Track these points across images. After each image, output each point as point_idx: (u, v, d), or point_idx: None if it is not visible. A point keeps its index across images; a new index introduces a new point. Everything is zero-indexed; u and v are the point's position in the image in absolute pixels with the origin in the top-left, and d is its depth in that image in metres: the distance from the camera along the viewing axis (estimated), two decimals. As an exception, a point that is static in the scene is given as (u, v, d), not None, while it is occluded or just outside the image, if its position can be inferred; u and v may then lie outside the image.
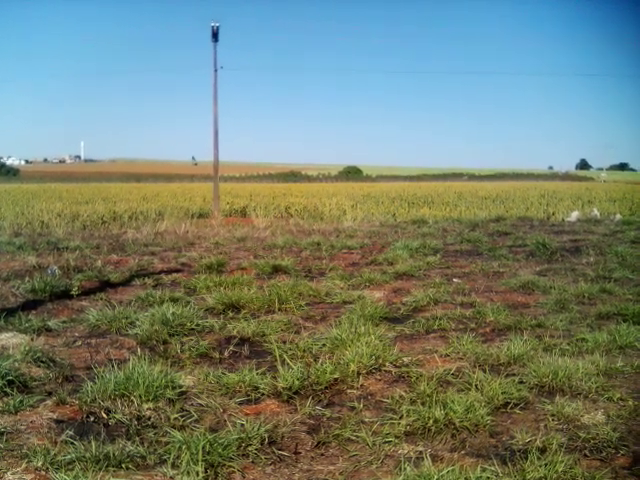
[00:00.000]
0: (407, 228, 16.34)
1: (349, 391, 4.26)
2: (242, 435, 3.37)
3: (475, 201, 29.81)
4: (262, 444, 3.35)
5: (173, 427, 3.54)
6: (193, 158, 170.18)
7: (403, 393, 4.09)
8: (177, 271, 9.15)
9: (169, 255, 10.93)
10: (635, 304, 6.49)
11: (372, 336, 5.03)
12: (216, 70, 23.62)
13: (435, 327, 5.90)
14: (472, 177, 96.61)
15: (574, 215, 20.19)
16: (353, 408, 3.95)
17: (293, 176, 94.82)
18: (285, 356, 4.71)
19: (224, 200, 26.75)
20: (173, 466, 3.08)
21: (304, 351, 4.95)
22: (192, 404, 3.95)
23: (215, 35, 23.17)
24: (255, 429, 3.45)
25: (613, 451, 3.31)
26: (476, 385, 4.16)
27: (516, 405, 3.93)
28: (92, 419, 3.72)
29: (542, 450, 3.27)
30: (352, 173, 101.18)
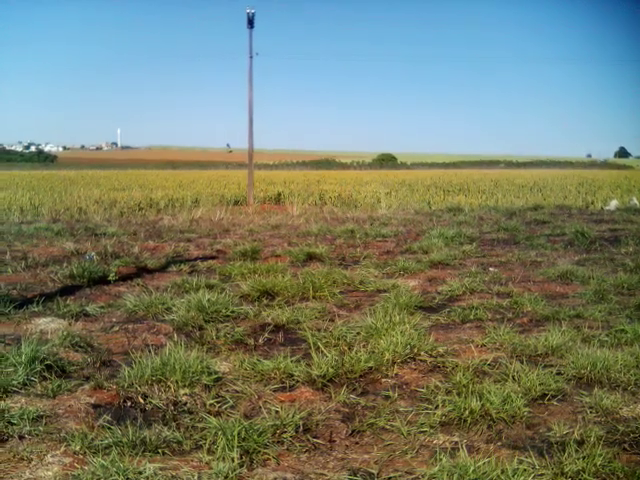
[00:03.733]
0: (442, 216, 16.19)
1: (384, 380, 4.24)
2: (277, 422, 3.39)
3: (512, 189, 29.39)
4: (297, 432, 3.36)
5: (209, 413, 3.58)
6: (228, 145, 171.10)
7: (438, 383, 4.07)
8: (212, 258, 9.22)
9: (204, 242, 11.02)
10: (677, 296, 6.34)
11: (407, 325, 5.00)
12: (251, 57, 23.59)
13: (471, 317, 5.84)
14: (509, 164, 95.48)
15: (613, 204, 19.79)
16: (388, 397, 3.93)
17: (327, 163, 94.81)
18: (319, 344, 4.71)
19: (258, 187, 26.82)
20: (209, 452, 3.11)
21: (338, 339, 4.94)
22: (227, 390, 3.98)
23: (251, 21, 23.11)
24: (290, 416, 3.46)
25: (654, 445, 3.25)
26: (513, 376, 4.11)
27: (553, 397, 3.87)
28: (129, 404, 3.77)
29: (580, 443, 3.21)
30: (386, 160, 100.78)
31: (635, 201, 20.67)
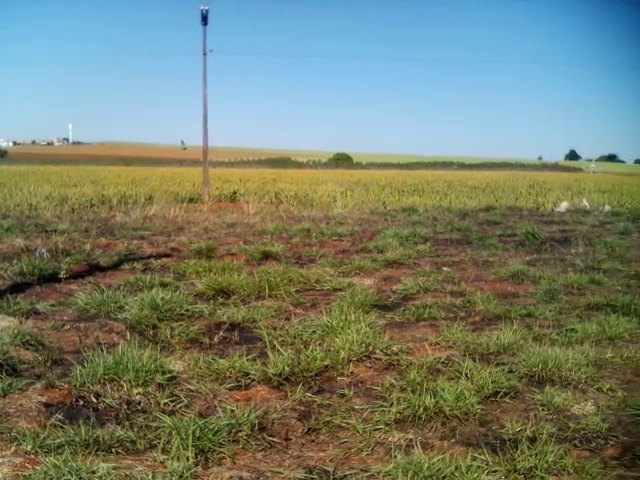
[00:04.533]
0: (397, 216, 16.34)
1: (339, 378, 4.25)
2: (232, 421, 3.36)
3: (465, 190, 29.81)
4: (252, 430, 3.34)
5: (163, 412, 3.53)
6: (182, 142, 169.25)
7: (393, 381, 4.10)
8: (166, 256, 9.11)
9: (158, 239, 10.88)
10: (624, 295, 6.52)
11: (362, 324, 5.02)
12: (205, 53, 23.37)
13: (425, 315, 5.90)
14: (462, 166, 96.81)
15: (563, 205, 20.26)
16: (343, 395, 3.95)
17: (283, 162, 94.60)
18: (275, 342, 4.70)
19: (213, 185, 26.58)
20: (163, 451, 3.07)
21: (294, 338, 4.94)
22: (182, 389, 3.93)
23: (204, 18, 22.91)
24: (245, 415, 3.44)
25: (602, 442, 3.33)
26: (466, 374, 4.17)
27: (506, 394, 3.94)
28: (81, 403, 3.70)
29: (532, 440, 3.28)
30: (342, 160, 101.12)
31: (585, 203, 21.21)
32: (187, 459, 2.97)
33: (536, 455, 3.04)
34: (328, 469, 3.02)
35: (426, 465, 2.88)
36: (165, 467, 2.92)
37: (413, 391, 3.86)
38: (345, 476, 2.96)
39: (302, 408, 3.78)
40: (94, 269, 7.96)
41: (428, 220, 15.15)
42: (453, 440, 3.34)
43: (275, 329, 5.21)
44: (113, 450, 3.08)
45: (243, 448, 3.19)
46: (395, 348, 4.77)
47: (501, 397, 3.91)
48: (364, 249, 10.17)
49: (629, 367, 4.49)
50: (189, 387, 3.96)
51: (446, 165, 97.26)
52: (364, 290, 6.73)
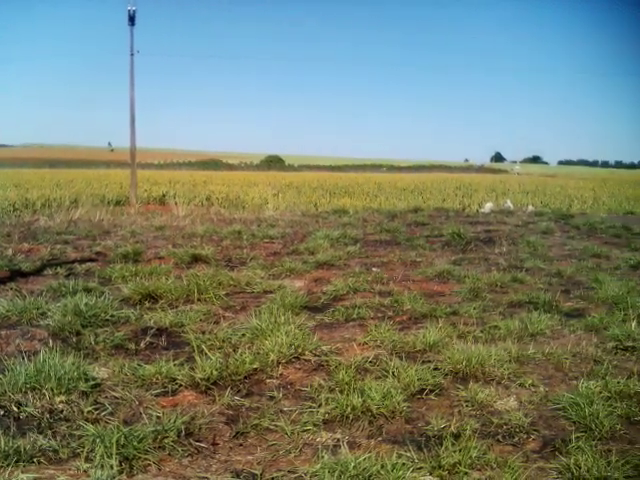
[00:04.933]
0: (328, 218, 16.43)
1: (268, 381, 4.25)
2: (158, 427, 3.30)
3: (394, 192, 30.27)
4: (179, 436, 3.30)
5: (87, 420, 3.44)
6: (109, 144, 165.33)
7: (322, 381, 4.12)
8: (91, 260, 8.87)
9: (83, 244, 10.59)
10: (545, 293, 6.75)
11: (292, 325, 5.03)
12: (132, 54, 22.88)
13: (354, 316, 5.96)
14: (391, 168, 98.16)
15: (488, 206, 20.83)
16: (272, 397, 3.94)
17: (214, 164, 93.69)
18: (203, 346, 4.65)
19: (142, 187, 26.08)
20: (87, 460, 3.00)
21: (223, 341, 4.90)
22: (106, 397, 3.84)
23: (132, 19, 22.44)
24: (172, 421, 3.39)
25: (525, 436, 3.44)
26: (393, 372, 4.23)
27: (431, 391, 4.02)
28: (2, 413, 3.56)
29: (456, 436, 3.35)
30: (274, 162, 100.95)
31: (509, 204, 21.86)
32: (111, 467, 2.90)
33: (460, 451, 3.12)
34: (256, 472, 3.01)
35: (352, 464, 2.90)
36: (88, 476, 2.85)
37: (341, 391, 3.89)
38: (273, 478, 2.96)
39: (230, 412, 3.75)
40: (16, 275, 7.68)
41: (358, 221, 15.29)
42: (380, 438, 3.38)
43: (203, 333, 5.15)
44: (35, 460, 2.99)
45: (169, 454, 3.15)
46: (324, 349, 4.80)
47: (427, 394, 3.98)
48: (295, 251, 10.18)
49: (550, 362, 4.65)
50: (114, 394, 3.87)
51: (376, 167, 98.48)
52: (294, 292, 6.74)
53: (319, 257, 9.25)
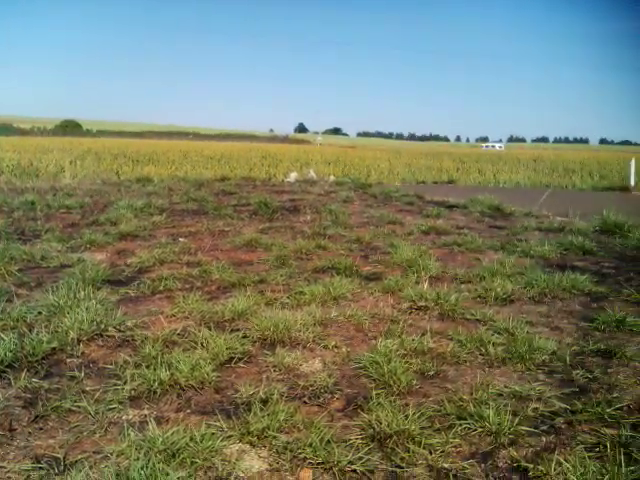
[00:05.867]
0: (131, 187, 15.82)
1: (69, 360, 4.01)
2: (-59, 419, 3.00)
3: (201, 160, 29.87)
4: (-33, 426, 3.02)
5: None
6: None
7: (127, 357, 3.98)
8: None
9: None
10: (346, 258, 7.06)
11: (93, 301, 4.80)
12: None
13: (161, 288, 5.81)
14: (197, 136, 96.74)
15: (293, 176, 21.28)
16: (73, 377, 3.73)
17: (4, 129, 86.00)
18: (-6, 327, 4.29)
19: None
20: None
21: (17, 320, 4.55)
22: None
23: None
24: (-42, 411, 3.09)
25: (329, 396, 3.57)
26: (202, 343, 4.20)
27: (240, 359, 4.04)
28: None
29: (265, 401, 3.40)
30: (70, 127, 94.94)
31: (312, 174, 22.49)
32: None
33: (268, 415, 3.17)
34: (58, 456, 2.84)
35: (160, 439, 2.85)
36: None
37: (148, 366, 3.78)
38: (77, 461, 2.81)
39: (28, 395, 3.50)
40: None
41: (164, 190, 14.89)
42: (189, 411, 3.35)
43: (-6, 313, 4.74)
44: None
45: (-45, 448, 2.87)
46: (129, 323, 4.64)
47: (236, 362, 4.00)
48: (96, 222, 9.69)
49: (352, 324, 4.87)
50: None
51: (181, 135, 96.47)
52: (95, 265, 6.41)
53: (122, 228, 8.90)
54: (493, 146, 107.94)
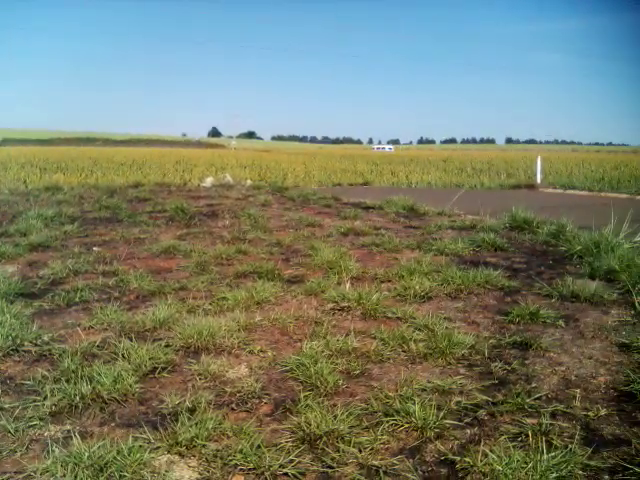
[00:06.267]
0: (40, 196, 15.25)
1: (-17, 378, 3.84)
2: None
3: (112, 167, 29.12)
4: None
5: None
6: None
7: (46, 372, 3.84)
8: None
9: None
10: (268, 262, 7.06)
11: (7, 315, 4.60)
12: None
13: (77, 299, 5.63)
14: (107, 142, 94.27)
15: (209, 181, 21.06)
16: (-11, 396, 3.57)
17: None
18: None
19: None
20: None
21: None
22: None
23: None
24: None
25: (257, 401, 3.56)
26: (123, 354, 4.10)
27: (164, 369, 3.97)
28: None
29: (192, 410, 3.36)
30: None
31: (229, 178, 22.33)
32: None
33: (196, 424, 3.14)
34: (-25, 480, 2.72)
35: (87, 454, 2.77)
36: None
37: (68, 380, 3.66)
38: (-3, 483, 2.70)
39: (-62, 418, 3.32)
40: None
41: (75, 199, 14.45)
42: (113, 424, 3.26)
43: None
44: None
45: None
46: (46, 337, 4.49)
47: (159, 372, 3.93)
48: (4, 233, 9.28)
49: (276, 328, 4.87)
50: None
51: (90, 141, 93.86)
52: (7, 278, 6.15)
53: (32, 239, 8.57)
54: (383, 148, 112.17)
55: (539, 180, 22.39)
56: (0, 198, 14.39)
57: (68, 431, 3.15)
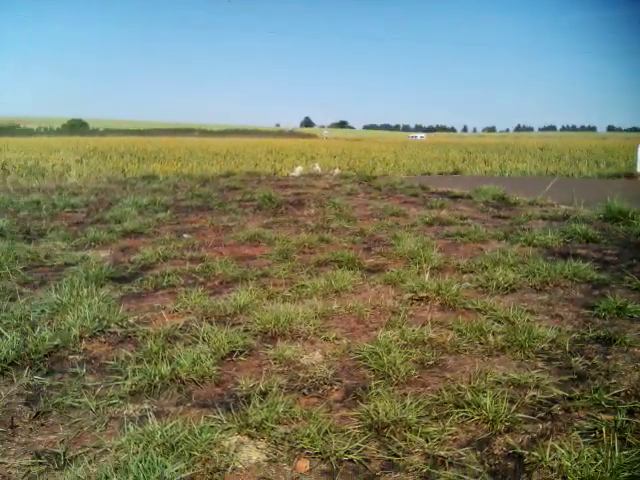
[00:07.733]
0: (137, 184, 15.88)
1: (71, 357, 4.06)
2: (-56, 417, 3.04)
3: (206, 157, 29.92)
4: (-30, 423, 3.06)
5: None
6: None
7: (129, 353, 4.02)
8: None
9: None
10: (349, 251, 7.07)
11: (96, 298, 4.84)
12: None
13: (164, 284, 5.85)
14: (203, 133, 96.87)
15: (298, 170, 21.27)
16: (75, 374, 3.77)
17: (10, 129, 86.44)
18: (-1, 326, 4.34)
19: None
20: None
21: (20, 319, 4.60)
22: None
23: None
24: (-40, 408, 3.14)
25: (329, 387, 3.59)
26: (203, 337, 4.23)
27: (241, 353, 4.07)
28: None
29: (264, 394, 3.43)
30: (77, 126, 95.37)
31: (317, 167, 22.48)
32: None
33: (267, 407, 3.20)
34: (58, 451, 2.88)
35: (159, 433, 2.88)
36: None
37: (149, 361, 3.82)
38: (77, 456, 2.85)
39: (30, 392, 3.54)
40: None
41: (169, 187, 14.95)
42: (189, 404, 3.38)
43: (-2, 312, 4.79)
44: None
45: (-42, 444, 2.91)
46: (132, 320, 4.68)
47: (236, 356, 4.03)
48: (100, 220, 9.75)
49: (353, 316, 4.89)
50: None
51: (188, 132, 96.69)
52: (99, 263, 6.46)
53: (126, 225, 8.95)
54: (415, 136, 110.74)
55: (639, 169, 21.28)
56: (99, 186, 15.09)
57: (145, 410, 3.29)
